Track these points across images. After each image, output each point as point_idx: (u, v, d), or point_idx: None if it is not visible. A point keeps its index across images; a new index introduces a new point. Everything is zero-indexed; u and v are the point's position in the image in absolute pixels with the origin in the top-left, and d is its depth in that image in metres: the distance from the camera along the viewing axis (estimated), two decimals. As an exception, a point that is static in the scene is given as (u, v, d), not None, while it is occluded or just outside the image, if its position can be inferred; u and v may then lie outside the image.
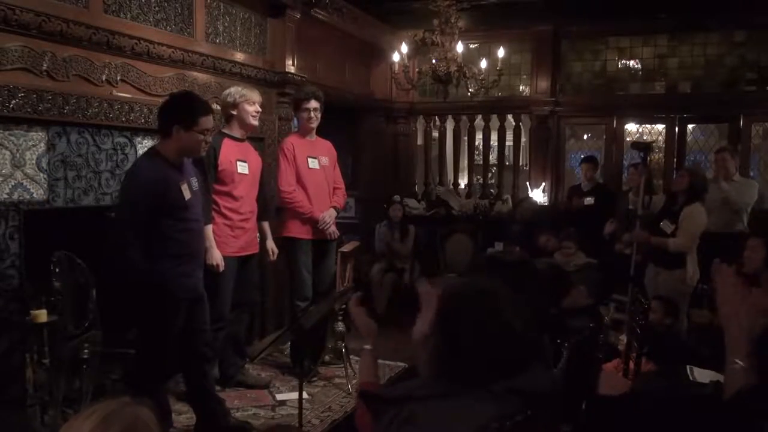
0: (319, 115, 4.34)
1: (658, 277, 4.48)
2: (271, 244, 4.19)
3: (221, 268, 3.62)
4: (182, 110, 2.94)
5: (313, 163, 4.32)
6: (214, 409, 3.31)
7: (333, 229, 4.33)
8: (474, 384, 1.45)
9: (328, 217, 4.28)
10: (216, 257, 3.59)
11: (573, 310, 3.30)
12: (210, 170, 3.66)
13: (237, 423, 3.47)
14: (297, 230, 4.25)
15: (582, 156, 6.67)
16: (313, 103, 4.29)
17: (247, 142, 3.99)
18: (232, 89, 3.88)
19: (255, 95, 3.90)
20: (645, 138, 6.97)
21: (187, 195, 2.98)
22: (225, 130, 3.88)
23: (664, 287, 4.37)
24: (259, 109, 3.93)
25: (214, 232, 3.65)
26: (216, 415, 3.30)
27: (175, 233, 2.94)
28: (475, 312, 1.52)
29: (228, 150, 3.76)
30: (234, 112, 3.83)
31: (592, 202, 5.81)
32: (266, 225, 4.18)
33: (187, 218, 3.00)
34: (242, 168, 3.82)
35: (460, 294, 1.61)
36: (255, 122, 3.92)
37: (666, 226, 4.44)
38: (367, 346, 1.99)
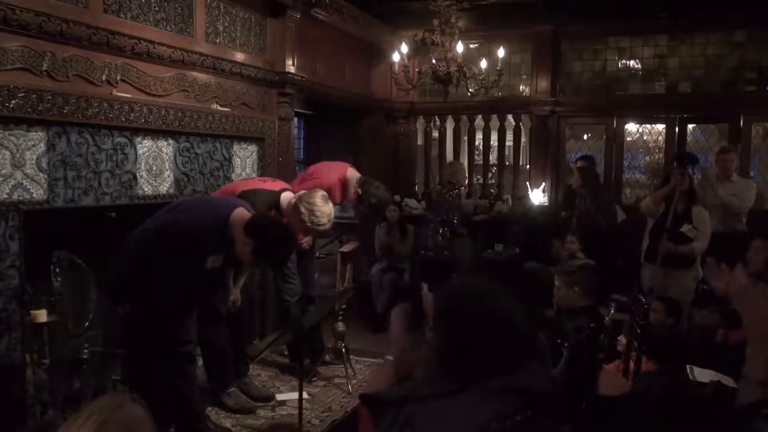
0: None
1: (669, 279, 4.48)
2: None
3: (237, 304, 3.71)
4: (269, 248, 2.92)
5: None
6: (198, 413, 3.30)
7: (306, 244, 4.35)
8: (474, 381, 1.46)
9: (305, 240, 4.31)
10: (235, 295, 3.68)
11: (573, 310, 3.30)
12: None
13: (217, 428, 3.47)
14: None
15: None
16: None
17: None
18: (304, 209, 3.56)
19: (320, 228, 3.66)
20: (645, 138, 6.97)
21: (209, 264, 2.96)
22: None
23: (677, 288, 4.39)
24: (311, 241, 4.12)
25: None
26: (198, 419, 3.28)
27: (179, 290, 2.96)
28: (475, 310, 1.53)
29: None
30: (293, 219, 3.63)
31: None
32: None
33: (195, 284, 3.03)
34: None
35: (460, 293, 1.62)
36: (300, 240, 4.00)
37: (688, 230, 4.46)
38: (389, 357, 1.95)
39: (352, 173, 4.37)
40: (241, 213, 2.95)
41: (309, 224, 3.58)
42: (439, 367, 1.53)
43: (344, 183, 4.32)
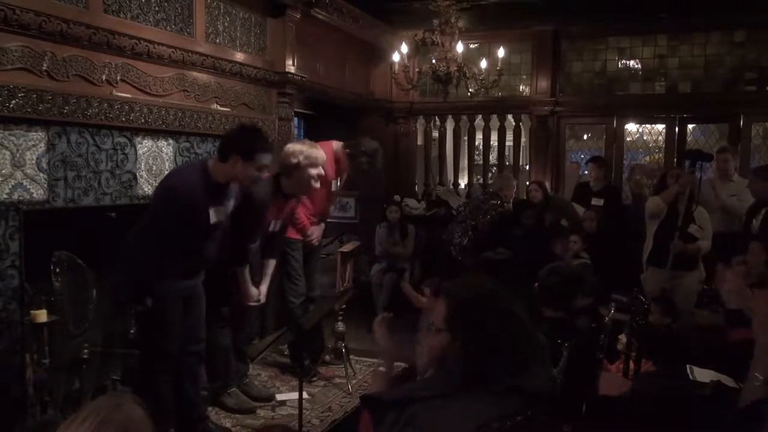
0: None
1: (677, 280, 4.47)
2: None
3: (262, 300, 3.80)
4: (245, 142, 3.00)
5: None
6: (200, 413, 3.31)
7: (316, 239, 4.44)
8: (480, 382, 1.46)
9: (315, 234, 4.41)
10: (252, 295, 3.71)
11: (573, 310, 3.29)
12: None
13: (217, 428, 3.48)
14: (290, 232, 4.26)
15: (582, 156, 6.65)
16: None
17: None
18: (296, 149, 3.72)
19: (320, 156, 3.75)
20: (645, 138, 6.97)
21: (213, 218, 3.00)
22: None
23: (685, 289, 4.38)
24: (323, 172, 3.79)
25: None
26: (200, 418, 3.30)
27: (185, 254, 3.00)
28: (496, 311, 1.53)
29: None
30: (295, 173, 3.72)
31: (601, 203, 5.74)
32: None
33: (203, 243, 3.05)
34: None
35: (479, 294, 1.61)
36: (317, 185, 3.81)
37: (695, 230, 4.46)
38: (382, 369, 1.97)
39: (338, 144, 4.46)
40: (213, 158, 3.10)
41: (307, 164, 3.67)
42: (447, 368, 1.53)
43: (335, 155, 4.40)
